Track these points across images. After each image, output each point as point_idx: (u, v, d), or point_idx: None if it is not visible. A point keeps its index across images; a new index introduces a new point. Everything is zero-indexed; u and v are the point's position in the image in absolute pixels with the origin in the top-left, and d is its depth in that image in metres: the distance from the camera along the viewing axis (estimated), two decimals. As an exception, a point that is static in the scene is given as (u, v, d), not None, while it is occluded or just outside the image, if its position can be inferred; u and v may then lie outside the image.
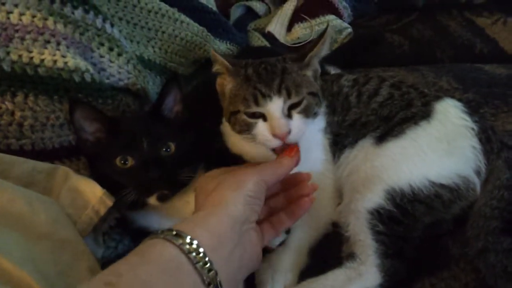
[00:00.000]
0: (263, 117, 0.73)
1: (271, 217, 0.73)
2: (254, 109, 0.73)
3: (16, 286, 0.54)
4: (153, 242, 0.54)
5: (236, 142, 0.84)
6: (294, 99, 0.73)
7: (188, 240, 0.53)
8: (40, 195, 0.70)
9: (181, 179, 0.82)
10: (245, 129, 0.75)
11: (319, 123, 0.89)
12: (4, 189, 0.64)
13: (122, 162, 0.79)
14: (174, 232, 0.54)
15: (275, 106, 0.72)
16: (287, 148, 0.73)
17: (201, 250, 0.53)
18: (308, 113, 0.75)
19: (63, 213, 0.71)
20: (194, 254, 0.52)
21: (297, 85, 0.74)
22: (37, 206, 0.66)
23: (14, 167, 0.71)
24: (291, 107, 0.74)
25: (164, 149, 0.82)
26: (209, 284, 0.52)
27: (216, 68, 0.80)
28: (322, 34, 0.78)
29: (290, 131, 0.72)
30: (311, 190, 0.74)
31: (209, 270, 0.52)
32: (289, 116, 0.73)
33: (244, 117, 0.74)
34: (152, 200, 0.80)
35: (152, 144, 0.80)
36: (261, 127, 0.73)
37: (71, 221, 0.72)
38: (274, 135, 0.72)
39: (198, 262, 0.52)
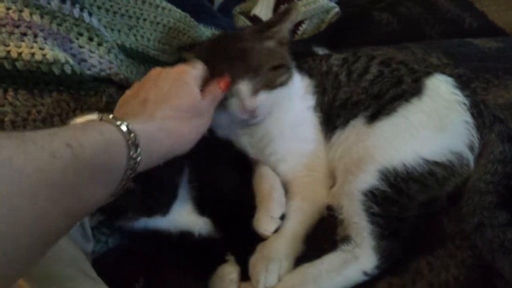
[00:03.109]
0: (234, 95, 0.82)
1: None
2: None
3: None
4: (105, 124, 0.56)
5: None
6: (257, 80, 0.81)
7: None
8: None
9: None
10: (220, 105, 0.81)
11: (308, 101, 0.89)
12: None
13: None
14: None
15: (242, 87, 0.80)
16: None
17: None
18: (272, 86, 0.84)
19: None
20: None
21: (258, 65, 0.82)
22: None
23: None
24: (256, 85, 0.81)
25: None
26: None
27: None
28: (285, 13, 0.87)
29: (256, 107, 0.82)
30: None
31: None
32: (255, 93, 0.81)
33: None
34: None
35: None
36: (233, 104, 0.82)
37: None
38: (244, 112, 0.82)
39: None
